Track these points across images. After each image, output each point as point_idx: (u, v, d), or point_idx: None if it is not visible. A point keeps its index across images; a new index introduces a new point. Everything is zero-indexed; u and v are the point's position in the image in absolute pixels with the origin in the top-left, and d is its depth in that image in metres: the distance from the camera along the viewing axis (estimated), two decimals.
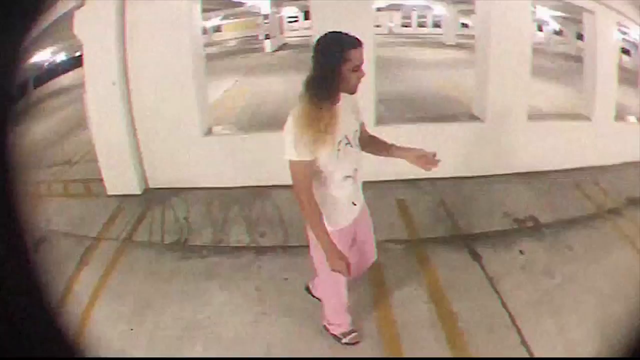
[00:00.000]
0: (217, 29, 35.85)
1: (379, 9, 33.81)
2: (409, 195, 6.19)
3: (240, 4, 26.68)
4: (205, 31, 30.58)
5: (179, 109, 6.31)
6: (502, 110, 7.03)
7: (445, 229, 5.48)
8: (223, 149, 6.58)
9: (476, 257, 5.05)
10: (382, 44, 28.46)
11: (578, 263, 5.27)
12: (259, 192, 6.26)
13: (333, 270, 2.89)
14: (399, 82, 14.67)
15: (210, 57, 22.70)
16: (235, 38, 37.50)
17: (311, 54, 2.65)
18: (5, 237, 1.25)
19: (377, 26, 40.09)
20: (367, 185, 6.37)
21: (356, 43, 2.62)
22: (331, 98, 2.67)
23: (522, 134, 7.42)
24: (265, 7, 27.40)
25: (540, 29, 36.04)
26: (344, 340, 3.66)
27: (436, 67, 17.98)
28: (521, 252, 5.38)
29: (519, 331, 4.10)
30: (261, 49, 27.81)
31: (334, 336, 3.66)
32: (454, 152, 6.73)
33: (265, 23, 28.60)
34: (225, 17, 33.70)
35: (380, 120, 6.75)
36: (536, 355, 3.90)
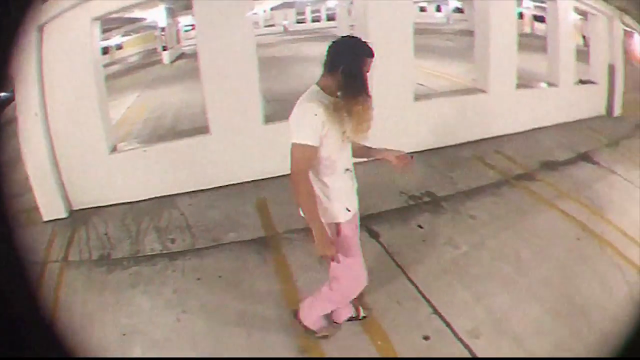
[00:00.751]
0: (119, 46, 34.51)
1: (273, 9, 33.64)
2: None
3: (139, 19, 25.83)
4: (107, 50, 29.51)
5: (87, 130, 6.64)
6: (386, 92, 7.20)
7: None
8: (128, 164, 6.92)
9: (374, 234, 5.26)
10: (278, 42, 28.60)
11: (485, 231, 5.42)
12: (165, 201, 6.69)
13: (321, 255, 2.95)
14: (293, 78, 15.15)
15: (114, 75, 22.71)
16: (136, 53, 36.32)
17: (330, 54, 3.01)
18: None
19: (271, 25, 40.21)
20: (271, 181, 6.66)
21: (372, 53, 2.99)
22: (363, 93, 2.94)
23: (410, 114, 7.71)
24: (162, 20, 26.64)
25: (439, 9, 37.23)
26: (318, 335, 3.77)
27: None
28: (420, 226, 5.56)
29: (428, 302, 4.19)
30: (160, 61, 27.76)
31: (307, 329, 3.77)
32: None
33: (162, 35, 27.88)
34: (125, 34, 32.62)
35: (268, 119, 7.10)
36: (454, 324, 3.97)
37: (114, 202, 6.82)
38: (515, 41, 8.35)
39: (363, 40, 2.96)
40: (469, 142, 7.82)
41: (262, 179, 6.83)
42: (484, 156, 7.44)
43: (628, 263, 4.89)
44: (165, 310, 4.40)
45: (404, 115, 7.38)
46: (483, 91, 8.11)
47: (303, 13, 41.38)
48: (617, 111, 11.27)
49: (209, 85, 6.73)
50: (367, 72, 2.91)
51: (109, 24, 22.46)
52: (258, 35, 32.81)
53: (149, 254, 5.48)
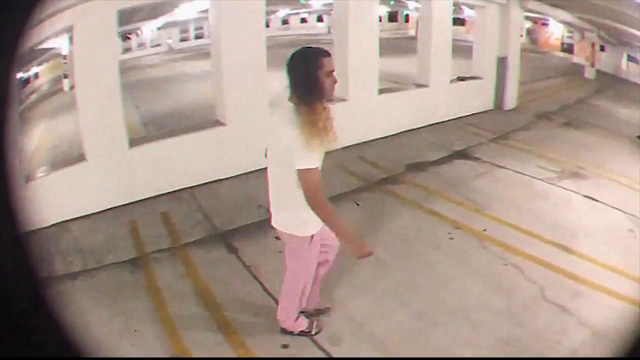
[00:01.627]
0: (36, 75, 33.10)
1: (159, 28, 33.11)
2: (171, 207, 6.65)
3: (50, 48, 24.86)
4: (28, 81, 28.11)
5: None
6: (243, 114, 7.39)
7: (204, 230, 5.94)
8: (38, 192, 6.57)
9: (233, 250, 5.42)
10: (162, 62, 28.45)
11: None
12: (64, 226, 6.50)
13: (361, 255, 3.25)
14: (173, 98, 15.32)
15: (33, 105, 22.10)
16: (46, 82, 35.13)
17: (286, 70, 3.12)
18: None
19: (158, 45, 39.97)
20: (134, 205, 6.53)
21: (326, 53, 3.14)
22: (320, 98, 3.08)
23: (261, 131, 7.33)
24: (65, 47, 25.86)
25: (320, 19, 37.87)
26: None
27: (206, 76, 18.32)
28: (277, 237, 5.30)
29: None
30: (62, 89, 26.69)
31: (289, 332, 3.93)
32: (205, 157, 7.28)
33: (65, 63, 26.85)
34: (39, 63, 31.21)
35: (134, 142, 7.02)
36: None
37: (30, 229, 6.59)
38: (377, 47, 8.65)
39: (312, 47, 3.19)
40: (331, 152, 7.91)
41: (132, 202, 6.80)
42: (346, 163, 7.61)
43: (526, 258, 5.16)
44: None
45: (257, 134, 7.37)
46: (343, 99, 8.25)
47: (187, 31, 41.11)
48: (510, 104, 11.81)
49: (83, 111, 6.65)
50: (331, 73, 3.10)
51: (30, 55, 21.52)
52: (145, 55, 31.97)
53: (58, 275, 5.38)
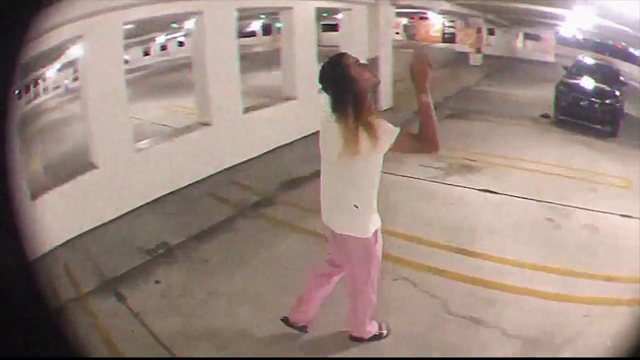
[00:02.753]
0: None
1: (59, 70, 32.30)
2: (70, 257, 6.27)
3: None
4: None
5: None
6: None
7: (95, 280, 5.72)
8: None
9: (121, 298, 5.28)
10: (58, 105, 27.75)
11: (219, 274, 5.46)
12: None
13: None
14: (64, 142, 14.34)
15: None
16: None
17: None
18: None
19: (58, 87, 39.23)
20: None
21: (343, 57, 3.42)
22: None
23: (134, 165, 7.37)
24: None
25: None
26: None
27: None
28: (157, 281, 5.56)
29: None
30: None
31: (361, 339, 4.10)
32: (83, 205, 6.84)
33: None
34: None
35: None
36: None
37: None
38: (237, 66, 8.60)
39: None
40: (203, 179, 7.77)
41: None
42: (218, 191, 7.59)
43: (418, 269, 5.13)
44: None
45: (128, 168, 7.18)
46: (207, 124, 8.17)
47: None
48: (386, 104, 12.22)
49: None
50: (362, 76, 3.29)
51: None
52: (48, 99, 31.07)
53: None
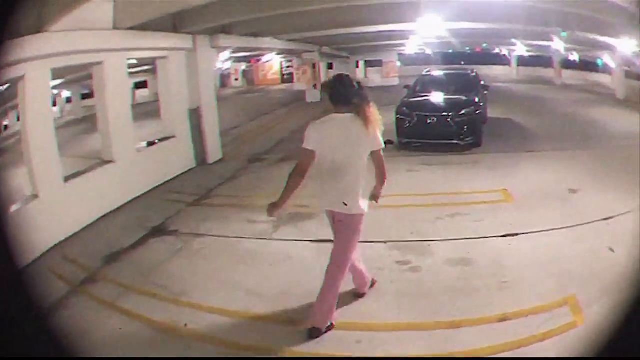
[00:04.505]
0: None
1: None
2: None
3: None
4: None
5: None
6: None
7: None
8: None
9: None
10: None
11: None
12: None
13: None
14: None
15: None
16: None
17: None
18: None
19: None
20: None
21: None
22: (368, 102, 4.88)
23: None
24: None
25: (54, 104, 36.31)
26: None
27: None
28: None
29: None
30: None
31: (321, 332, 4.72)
32: None
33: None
34: None
35: None
36: None
37: None
38: (53, 134, 8.14)
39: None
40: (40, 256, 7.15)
41: None
42: (55, 266, 6.85)
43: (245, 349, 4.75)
44: None
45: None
46: (36, 196, 7.76)
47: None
48: (215, 156, 12.14)
49: None
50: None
51: None
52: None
53: None
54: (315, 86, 26.32)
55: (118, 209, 8.97)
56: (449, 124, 12.02)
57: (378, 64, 37.22)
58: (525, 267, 5.77)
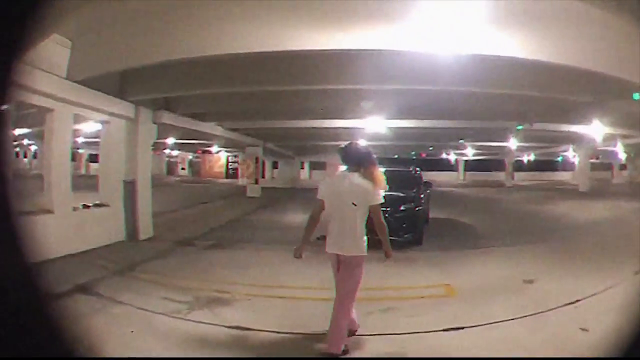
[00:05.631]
0: None
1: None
2: None
3: None
4: None
5: None
6: None
7: None
8: None
9: None
10: None
11: None
12: None
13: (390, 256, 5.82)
14: None
15: None
16: None
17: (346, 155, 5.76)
18: None
19: None
20: None
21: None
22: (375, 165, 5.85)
23: None
24: None
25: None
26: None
27: None
28: None
29: None
30: None
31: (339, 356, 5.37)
32: None
33: None
34: None
35: None
36: None
37: None
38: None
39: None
40: None
41: None
42: None
43: None
44: None
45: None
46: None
47: None
48: (146, 233, 11.69)
49: None
50: None
51: None
52: None
53: None
54: (256, 181, 26.37)
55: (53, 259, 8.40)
56: (387, 220, 11.06)
57: (322, 166, 37.69)
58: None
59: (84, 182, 15.21)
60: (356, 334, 5.79)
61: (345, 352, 5.42)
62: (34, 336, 1.90)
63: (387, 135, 19.62)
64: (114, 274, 8.50)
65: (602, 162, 24.99)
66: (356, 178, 5.61)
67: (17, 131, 20.74)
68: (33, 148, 31.04)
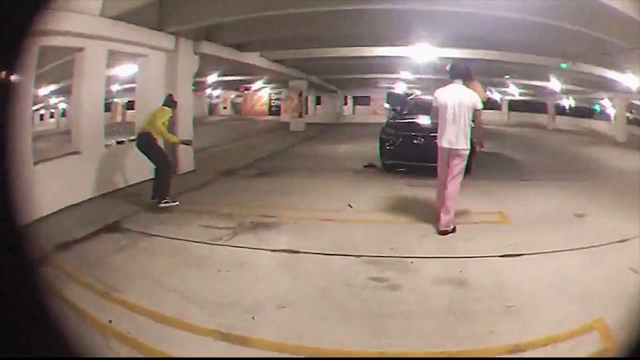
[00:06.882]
0: None
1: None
2: None
3: None
4: None
5: None
6: None
7: None
8: None
9: None
10: None
11: None
12: None
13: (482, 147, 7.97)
14: None
15: None
16: None
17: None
18: None
19: None
20: None
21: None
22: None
23: None
24: None
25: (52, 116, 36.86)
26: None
27: None
28: None
29: None
30: None
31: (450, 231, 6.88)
32: None
33: None
34: None
35: None
36: None
37: None
38: None
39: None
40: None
41: None
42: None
43: None
44: None
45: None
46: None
47: None
48: (186, 167, 11.48)
49: None
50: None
51: None
52: None
53: None
54: (300, 115, 26.13)
55: (85, 201, 8.38)
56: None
57: (366, 101, 37.13)
58: (534, 291, 4.88)
59: (121, 129, 14.78)
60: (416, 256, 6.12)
61: (453, 230, 6.87)
62: (34, 336, 1.69)
63: (430, 67, 18.43)
64: (147, 209, 8.16)
65: (635, 118, 23.91)
66: (462, 89, 7.06)
67: (42, 91, 20.00)
68: (61, 107, 30.64)
